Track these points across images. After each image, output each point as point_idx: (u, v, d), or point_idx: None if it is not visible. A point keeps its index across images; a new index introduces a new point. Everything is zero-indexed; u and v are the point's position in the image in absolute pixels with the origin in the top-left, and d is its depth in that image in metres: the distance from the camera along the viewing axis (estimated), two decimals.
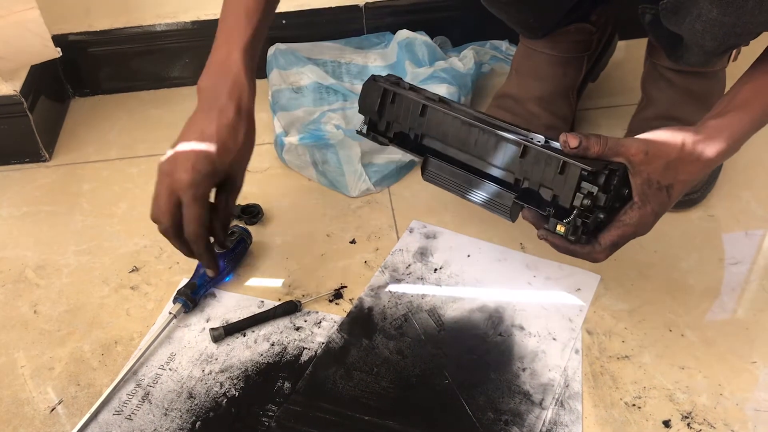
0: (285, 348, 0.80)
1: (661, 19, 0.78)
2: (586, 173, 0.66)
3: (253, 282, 0.88)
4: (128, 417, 0.74)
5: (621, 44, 1.15)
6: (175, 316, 0.82)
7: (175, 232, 0.75)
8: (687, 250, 0.89)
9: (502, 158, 0.73)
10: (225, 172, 0.76)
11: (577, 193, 0.67)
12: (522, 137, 0.71)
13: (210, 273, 0.83)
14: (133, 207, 1.00)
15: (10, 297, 0.88)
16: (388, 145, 0.82)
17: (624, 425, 0.72)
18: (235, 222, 0.95)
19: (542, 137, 0.71)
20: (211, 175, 0.74)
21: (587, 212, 0.67)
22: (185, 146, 0.74)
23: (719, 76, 0.97)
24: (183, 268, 0.90)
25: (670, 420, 0.72)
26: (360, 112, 0.83)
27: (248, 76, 0.77)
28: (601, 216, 0.67)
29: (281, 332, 0.82)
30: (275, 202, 0.99)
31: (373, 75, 0.82)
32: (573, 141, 0.66)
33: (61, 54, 1.06)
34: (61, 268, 0.92)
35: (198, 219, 0.74)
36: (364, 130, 0.83)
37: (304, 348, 0.80)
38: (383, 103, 0.80)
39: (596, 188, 0.66)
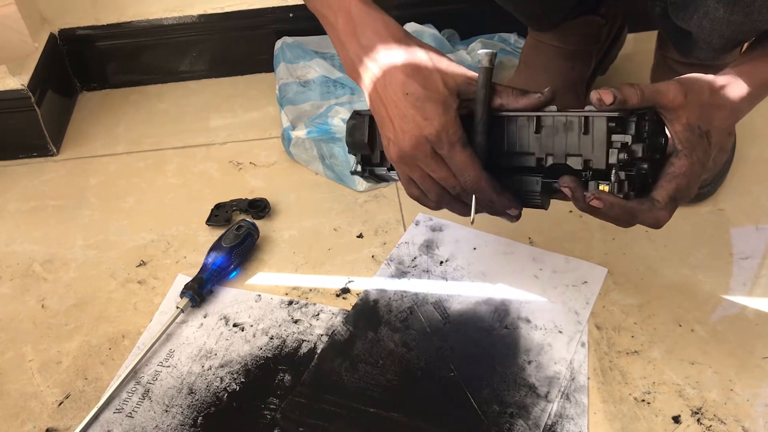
0: (284, 341, 0.80)
1: (669, 14, 0.77)
2: (613, 123, 0.60)
3: (260, 276, 0.88)
4: (129, 415, 0.74)
5: (630, 37, 1.14)
6: (182, 311, 0.82)
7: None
8: (696, 245, 0.88)
9: (515, 141, 0.66)
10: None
11: (611, 149, 0.60)
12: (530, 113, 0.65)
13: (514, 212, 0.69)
14: (141, 201, 1.00)
15: (17, 291, 0.89)
16: (394, 179, 0.74)
17: (633, 421, 0.71)
18: (242, 216, 0.95)
19: (554, 107, 0.64)
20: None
21: (627, 166, 0.61)
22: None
23: None
24: (190, 263, 0.90)
25: (680, 416, 0.71)
26: (350, 152, 0.75)
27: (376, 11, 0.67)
28: (645, 167, 0.61)
29: (279, 325, 0.82)
30: (282, 196, 0.99)
31: (355, 110, 0.74)
32: (607, 96, 0.59)
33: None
34: (68, 263, 0.92)
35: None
36: (359, 169, 0.74)
37: (303, 340, 0.80)
38: (372, 133, 0.72)
39: (629, 137, 0.59)
